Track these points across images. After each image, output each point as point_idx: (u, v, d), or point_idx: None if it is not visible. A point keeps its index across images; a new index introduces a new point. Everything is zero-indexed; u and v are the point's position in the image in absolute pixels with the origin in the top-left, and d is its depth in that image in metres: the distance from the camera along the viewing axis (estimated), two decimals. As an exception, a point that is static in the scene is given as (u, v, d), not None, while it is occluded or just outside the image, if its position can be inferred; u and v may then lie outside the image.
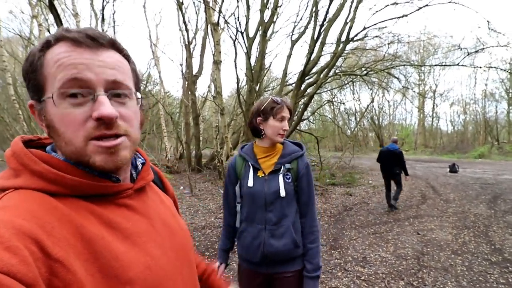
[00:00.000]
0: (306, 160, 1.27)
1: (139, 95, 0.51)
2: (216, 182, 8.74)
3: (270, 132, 1.24)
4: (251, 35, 7.46)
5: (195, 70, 11.38)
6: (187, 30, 9.74)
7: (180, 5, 9.53)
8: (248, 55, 7.09)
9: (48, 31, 7.18)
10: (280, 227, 1.21)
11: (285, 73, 7.76)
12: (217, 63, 5.88)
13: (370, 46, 8.69)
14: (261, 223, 1.23)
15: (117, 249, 0.42)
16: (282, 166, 1.24)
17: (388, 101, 28.29)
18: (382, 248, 3.74)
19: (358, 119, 21.62)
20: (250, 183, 1.23)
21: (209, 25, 6.26)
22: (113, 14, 11.41)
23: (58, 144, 0.44)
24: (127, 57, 0.49)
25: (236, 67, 5.98)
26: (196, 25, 13.05)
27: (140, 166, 0.58)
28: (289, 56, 7.63)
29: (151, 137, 14.58)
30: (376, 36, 7.47)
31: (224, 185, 1.30)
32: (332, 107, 20.78)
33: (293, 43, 7.42)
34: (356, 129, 21.69)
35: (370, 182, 9.13)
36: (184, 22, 9.97)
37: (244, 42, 6.50)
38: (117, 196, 0.48)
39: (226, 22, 5.88)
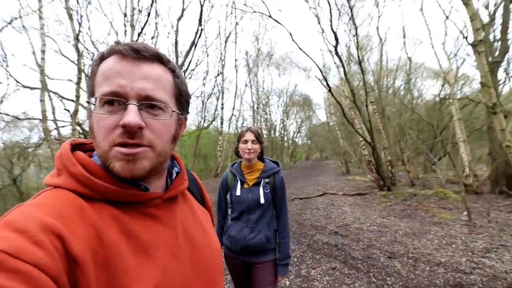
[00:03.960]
0: (281, 175, 1.60)
1: (170, 109, 0.48)
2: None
3: (242, 153, 1.62)
4: None
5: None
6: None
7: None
8: None
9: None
10: (258, 226, 1.54)
11: None
12: (474, 45, 4.23)
13: None
14: (244, 222, 1.57)
15: (129, 261, 0.41)
16: (262, 180, 1.58)
17: None
18: None
19: None
20: (238, 193, 1.60)
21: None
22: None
23: (94, 146, 0.46)
24: (172, 71, 0.50)
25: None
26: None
27: (174, 175, 0.58)
28: None
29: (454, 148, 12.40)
30: None
31: (218, 194, 1.70)
32: None
33: None
34: None
35: None
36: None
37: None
38: (144, 204, 0.48)
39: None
